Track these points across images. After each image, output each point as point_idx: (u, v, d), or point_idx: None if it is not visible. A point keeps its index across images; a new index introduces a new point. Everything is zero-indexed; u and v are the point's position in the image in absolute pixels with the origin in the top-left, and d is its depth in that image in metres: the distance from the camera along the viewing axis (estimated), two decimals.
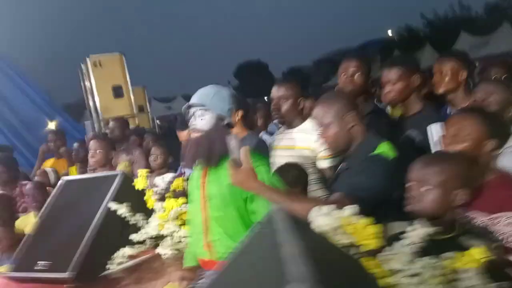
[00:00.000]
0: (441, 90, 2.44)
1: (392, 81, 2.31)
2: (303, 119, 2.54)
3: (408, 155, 1.92)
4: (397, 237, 1.34)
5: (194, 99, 1.88)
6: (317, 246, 1.00)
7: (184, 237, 2.28)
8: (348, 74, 2.49)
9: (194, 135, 1.89)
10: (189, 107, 1.89)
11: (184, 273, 2.07)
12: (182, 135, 3.09)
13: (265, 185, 1.68)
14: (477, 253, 1.18)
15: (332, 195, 1.76)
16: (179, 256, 2.26)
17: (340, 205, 1.28)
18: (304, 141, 2.47)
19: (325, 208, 1.21)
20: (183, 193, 2.43)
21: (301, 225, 1.05)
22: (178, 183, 2.62)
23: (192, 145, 1.91)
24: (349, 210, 1.21)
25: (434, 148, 2.09)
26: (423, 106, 2.34)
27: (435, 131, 2.11)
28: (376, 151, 1.75)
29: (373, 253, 1.20)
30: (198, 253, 2.01)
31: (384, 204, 1.62)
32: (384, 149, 1.76)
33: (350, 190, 1.64)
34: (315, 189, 2.41)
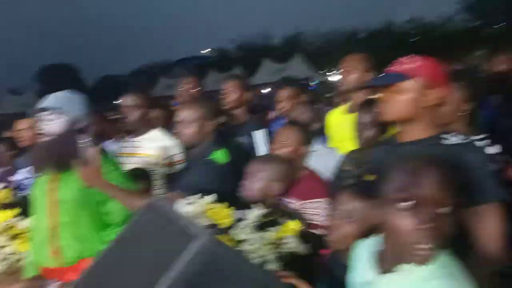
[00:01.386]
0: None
1: (229, 92, 2.82)
2: (150, 128, 2.73)
3: (240, 156, 2.40)
4: (239, 219, 1.74)
5: (48, 103, 1.86)
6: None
7: (15, 251, 2.13)
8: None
9: (43, 139, 1.87)
10: (42, 110, 1.86)
11: (23, 285, 1.96)
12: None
13: (110, 183, 1.85)
14: (293, 225, 1.67)
15: (170, 192, 2.04)
16: (13, 270, 2.11)
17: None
18: (148, 149, 2.65)
19: (192, 198, 1.50)
20: (12, 205, 2.28)
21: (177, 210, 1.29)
22: (5, 195, 2.41)
23: (41, 149, 1.87)
24: (209, 198, 1.53)
25: (258, 149, 2.66)
26: (249, 116, 2.89)
27: (259, 137, 2.70)
28: (211, 156, 2.11)
29: (227, 229, 1.54)
30: (41, 261, 1.95)
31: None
32: (218, 155, 2.13)
33: (183, 189, 1.92)
34: (158, 189, 2.62)
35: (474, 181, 1.28)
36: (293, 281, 1.05)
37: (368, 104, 2.05)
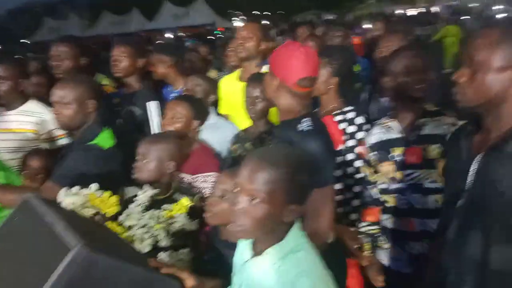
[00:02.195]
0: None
1: (120, 57, 2.67)
2: (24, 100, 2.48)
3: (130, 130, 2.34)
4: (131, 200, 1.76)
5: None
6: (75, 220, 1.25)
7: None
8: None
9: None
10: None
11: None
12: None
13: None
14: (185, 202, 1.75)
15: (48, 183, 1.85)
16: None
17: (47, 193, 1.52)
18: (23, 123, 2.43)
19: (74, 189, 1.46)
20: None
21: (55, 206, 1.26)
22: None
23: None
24: (94, 186, 1.51)
25: (152, 122, 2.60)
26: (142, 85, 2.78)
27: (153, 108, 2.62)
28: (94, 141, 1.93)
29: (115, 217, 1.56)
30: None
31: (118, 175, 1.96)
32: (101, 139, 1.96)
33: (56, 177, 1.82)
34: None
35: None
36: (178, 274, 1.14)
37: (257, 78, 2.11)
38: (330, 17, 31.77)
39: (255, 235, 1.11)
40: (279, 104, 1.62)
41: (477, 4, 31.11)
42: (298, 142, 1.49)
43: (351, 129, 2.01)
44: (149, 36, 15.76)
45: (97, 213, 1.51)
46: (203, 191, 2.03)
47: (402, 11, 33.06)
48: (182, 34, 19.14)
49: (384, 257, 1.87)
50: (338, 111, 2.04)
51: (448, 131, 1.66)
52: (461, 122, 1.63)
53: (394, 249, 1.84)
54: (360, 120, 2.03)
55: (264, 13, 35.03)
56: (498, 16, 27.40)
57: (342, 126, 2.01)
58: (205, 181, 2.06)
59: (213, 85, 2.66)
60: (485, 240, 1.08)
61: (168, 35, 19.52)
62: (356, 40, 4.99)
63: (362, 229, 1.97)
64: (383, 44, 2.39)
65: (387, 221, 1.85)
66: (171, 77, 3.00)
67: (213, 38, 13.61)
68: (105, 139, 1.96)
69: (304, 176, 1.08)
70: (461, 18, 23.98)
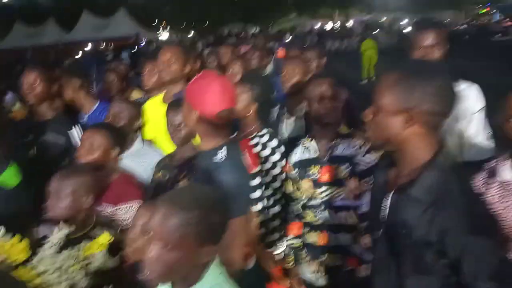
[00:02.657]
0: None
1: (31, 84, 2.47)
2: None
3: (46, 162, 2.18)
4: (41, 242, 1.64)
5: None
6: None
7: None
8: None
9: None
10: None
11: None
12: None
13: None
14: (103, 238, 1.67)
15: None
16: None
17: None
18: None
19: None
20: None
21: None
22: None
23: None
24: (1, 231, 1.39)
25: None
26: (58, 112, 2.61)
27: (76, 135, 2.48)
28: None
29: (23, 263, 1.45)
30: None
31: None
32: (6, 177, 1.81)
33: None
34: None
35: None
36: None
37: (177, 104, 2.07)
38: (255, 30, 32.62)
39: (169, 279, 1.10)
40: (199, 134, 1.64)
41: (386, 19, 34.01)
42: (214, 172, 1.51)
43: (265, 152, 2.09)
44: (66, 49, 14.86)
45: (4, 260, 1.39)
46: (125, 222, 1.96)
47: (320, 25, 35.14)
48: (103, 46, 18.33)
49: (304, 270, 1.97)
50: (254, 135, 2.11)
51: (356, 153, 1.80)
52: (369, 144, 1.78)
53: (311, 262, 1.94)
54: (274, 143, 2.11)
55: (190, 24, 34.97)
56: (404, 29, 30.24)
57: (257, 149, 2.08)
58: (127, 212, 1.99)
59: (137, 109, 2.57)
60: (401, 270, 1.12)
61: (88, 47, 18.56)
62: (281, 52, 5.18)
63: (286, 243, 2.06)
64: (286, 69, 2.45)
65: (306, 235, 1.96)
66: (80, 100, 2.85)
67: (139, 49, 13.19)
68: (10, 177, 1.81)
69: (217, 216, 1.08)
70: (373, 32, 26.07)
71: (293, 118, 2.47)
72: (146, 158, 2.32)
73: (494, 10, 26.61)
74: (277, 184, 2.09)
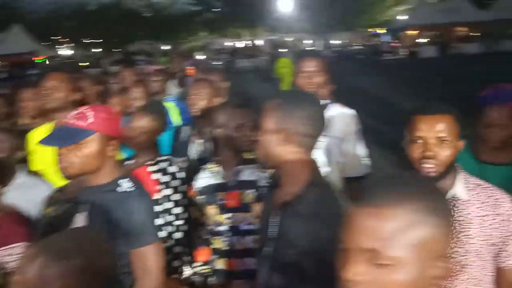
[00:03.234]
0: None
1: None
2: None
3: None
4: None
5: None
6: None
7: None
8: None
9: None
10: None
11: None
12: None
13: None
14: None
15: None
16: None
17: None
18: None
19: None
20: None
21: None
22: None
23: None
24: None
25: None
26: None
27: None
28: None
29: None
30: None
31: None
32: None
33: None
34: None
35: (134, 227, 1.45)
36: None
37: None
38: (166, 47, 32.28)
39: None
40: (105, 166, 1.52)
41: (292, 39, 36.14)
42: (121, 204, 1.45)
43: (165, 178, 2.05)
44: None
45: None
46: (7, 265, 1.77)
47: (231, 44, 36.04)
48: None
49: None
50: (153, 162, 2.07)
51: (261, 177, 1.85)
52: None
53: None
54: (173, 169, 2.09)
55: (98, 40, 33.29)
56: (307, 48, 32.38)
57: (156, 176, 2.04)
58: (10, 255, 1.80)
59: (20, 139, 2.36)
60: (288, 285, 1.17)
61: None
62: (190, 71, 5.18)
63: (195, 269, 2.02)
64: (192, 91, 2.43)
65: (215, 261, 1.95)
66: None
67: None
68: None
69: (105, 260, 1.00)
70: (280, 50, 27.48)
71: (201, 140, 2.48)
72: (33, 191, 2.11)
73: (384, 32, 29.88)
74: (178, 210, 2.06)
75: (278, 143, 1.20)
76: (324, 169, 1.93)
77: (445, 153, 1.22)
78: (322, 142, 1.96)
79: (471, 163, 1.67)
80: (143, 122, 2.04)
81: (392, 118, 8.15)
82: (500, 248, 1.25)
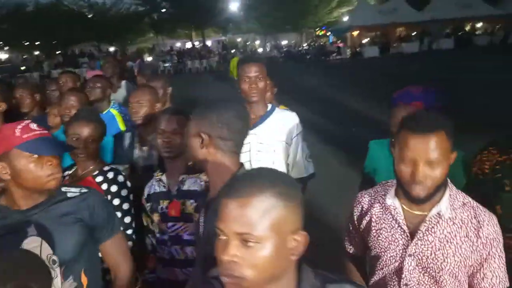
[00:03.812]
0: None
1: None
2: None
3: None
4: None
5: None
6: None
7: None
8: None
9: None
10: None
11: None
12: None
13: None
14: None
15: None
16: None
17: None
18: None
19: None
20: None
21: None
22: None
23: None
24: None
25: None
26: None
27: None
28: None
29: None
30: None
31: None
32: None
33: None
34: None
35: (105, 219, 1.49)
36: None
37: None
38: (111, 48, 31.19)
39: None
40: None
41: (241, 39, 36.34)
42: (80, 205, 1.43)
43: (113, 188, 2.01)
44: None
45: None
46: None
47: (179, 45, 35.50)
48: None
49: None
50: (98, 172, 2.02)
51: (202, 187, 1.84)
52: None
53: None
54: (121, 178, 2.05)
55: (36, 43, 31.38)
56: (257, 49, 32.74)
57: (104, 186, 1.99)
58: None
59: None
60: None
61: None
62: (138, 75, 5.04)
63: (142, 278, 1.99)
64: (134, 99, 2.33)
65: (159, 270, 1.93)
66: None
67: None
68: None
69: (40, 283, 0.99)
70: (231, 51, 27.53)
71: (145, 148, 2.45)
72: None
73: (329, 33, 30.85)
74: (128, 219, 2.03)
75: (197, 145, 1.27)
76: None
77: (436, 175, 1.15)
78: (268, 145, 2.01)
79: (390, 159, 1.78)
80: (79, 131, 1.97)
81: (339, 117, 8.53)
82: (476, 270, 1.23)
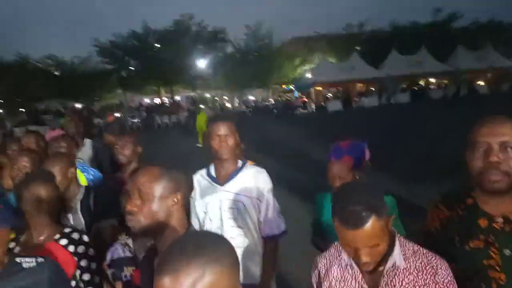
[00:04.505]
0: None
1: None
2: None
3: None
4: None
5: None
6: None
7: None
8: None
9: None
10: None
11: None
12: None
13: None
14: None
15: None
16: None
17: None
18: None
19: None
20: None
21: None
22: None
23: None
24: None
25: None
26: None
27: None
28: None
29: None
30: None
31: None
32: None
33: None
34: None
35: None
36: None
37: None
38: (78, 105, 30.86)
39: None
40: None
41: (210, 95, 37.01)
42: (37, 279, 1.37)
43: (81, 249, 1.91)
44: None
45: None
46: None
47: (148, 101, 35.69)
48: None
49: None
50: (60, 235, 1.93)
51: None
52: None
53: None
54: (86, 238, 1.97)
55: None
56: (227, 105, 33.39)
57: (70, 248, 1.90)
58: None
59: None
60: None
61: None
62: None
63: None
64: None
65: None
66: None
67: None
68: None
69: None
70: (200, 106, 27.87)
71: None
72: None
73: (293, 89, 32.14)
74: (97, 279, 1.91)
75: (170, 206, 1.26)
76: (236, 231, 1.96)
77: (379, 251, 1.16)
78: (239, 202, 1.99)
79: None
80: (32, 193, 1.87)
81: (306, 167, 8.66)
82: None
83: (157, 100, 34.54)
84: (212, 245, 0.84)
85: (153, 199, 1.25)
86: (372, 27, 34.28)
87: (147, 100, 35.45)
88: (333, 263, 1.34)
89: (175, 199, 1.26)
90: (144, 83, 31.82)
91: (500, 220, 1.22)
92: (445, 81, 29.96)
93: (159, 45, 30.62)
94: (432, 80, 31.06)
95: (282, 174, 8.23)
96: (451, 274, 1.21)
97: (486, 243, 1.23)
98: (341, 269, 1.31)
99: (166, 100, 33.65)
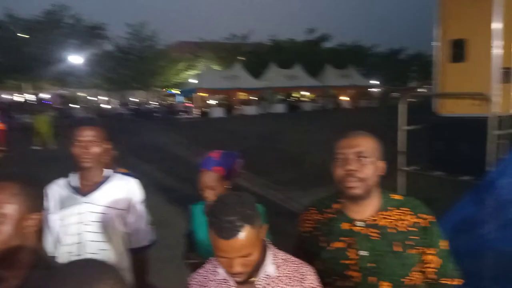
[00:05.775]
0: None
1: None
2: None
3: None
4: None
5: None
6: None
7: None
8: None
9: None
10: None
11: None
12: None
13: None
14: None
15: None
16: None
17: None
18: None
19: None
20: None
21: None
22: None
23: None
24: None
25: None
26: None
27: None
28: None
29: None
30: None
31: None
32: None
33: None
34: None
35: None
36: None
37: None
38: None
39: None
40: None
41: (84, 95, 34.00)
42: None
43: None
44: None
45: None
46: None
47: (9, 97, 31.17)
48: None
49: None
50: None
51: None
52: None
53: None
54: None
55: None
56: (102, 106, 31.13)
57: None
58: None
59: None
60: None
61: None
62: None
63: None
64: None
65: None
66: None
67: None
68: None
69: None
70: (71, 105, 25.42)
71: None
72: None
73: (178, 93, 31.70)
74: None
75: (34, 227, 1.15)
76: (98, 246, 1.80)
77: (252, 260, 1.18)
78: (104, 214, 1.82)
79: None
80: None
81: (187, 174, 8.53)
82: None
83: (19, 97, 30.39)
84: (96, 279, 0.79)
85: (11, 220, 1.11)
86: (254, 40, 35.96)
87: (6, 96, 30.96)
88: (209, 279, 1.34)
89: (33, 221, 1.14)
90: (5, 76, 27.74)
91: (360, 224, 1.37)
92: (314, 95, 33.18)
93: (25, 36, 27.04)
94: (305, 93, 33.98)
95: (162, 182, 8.00)
96: (319, 280, 1.30)
97: (347, 244, 1.37)
98: (217, 284, 1.31)
99: (29, 97, 29.81)
